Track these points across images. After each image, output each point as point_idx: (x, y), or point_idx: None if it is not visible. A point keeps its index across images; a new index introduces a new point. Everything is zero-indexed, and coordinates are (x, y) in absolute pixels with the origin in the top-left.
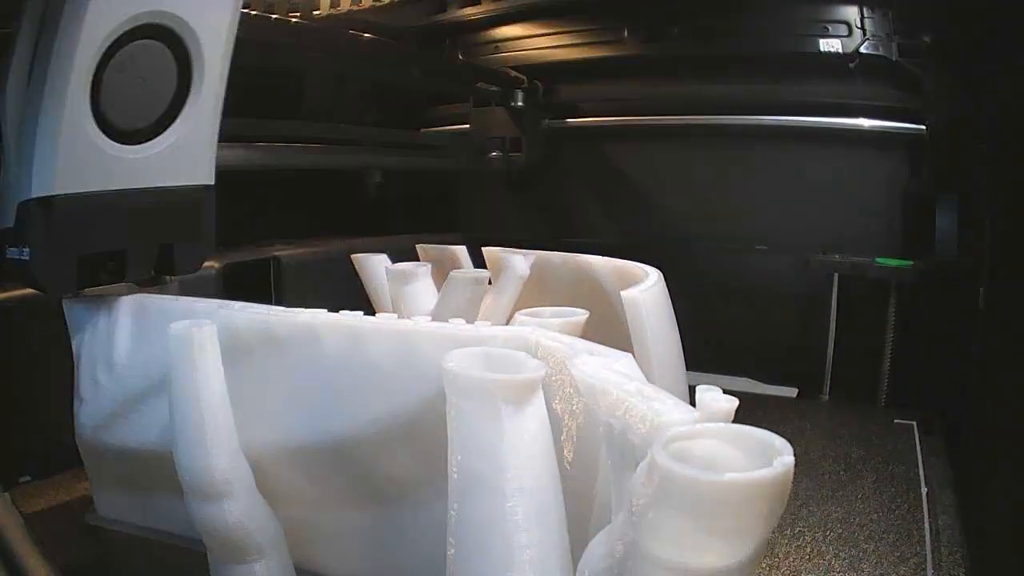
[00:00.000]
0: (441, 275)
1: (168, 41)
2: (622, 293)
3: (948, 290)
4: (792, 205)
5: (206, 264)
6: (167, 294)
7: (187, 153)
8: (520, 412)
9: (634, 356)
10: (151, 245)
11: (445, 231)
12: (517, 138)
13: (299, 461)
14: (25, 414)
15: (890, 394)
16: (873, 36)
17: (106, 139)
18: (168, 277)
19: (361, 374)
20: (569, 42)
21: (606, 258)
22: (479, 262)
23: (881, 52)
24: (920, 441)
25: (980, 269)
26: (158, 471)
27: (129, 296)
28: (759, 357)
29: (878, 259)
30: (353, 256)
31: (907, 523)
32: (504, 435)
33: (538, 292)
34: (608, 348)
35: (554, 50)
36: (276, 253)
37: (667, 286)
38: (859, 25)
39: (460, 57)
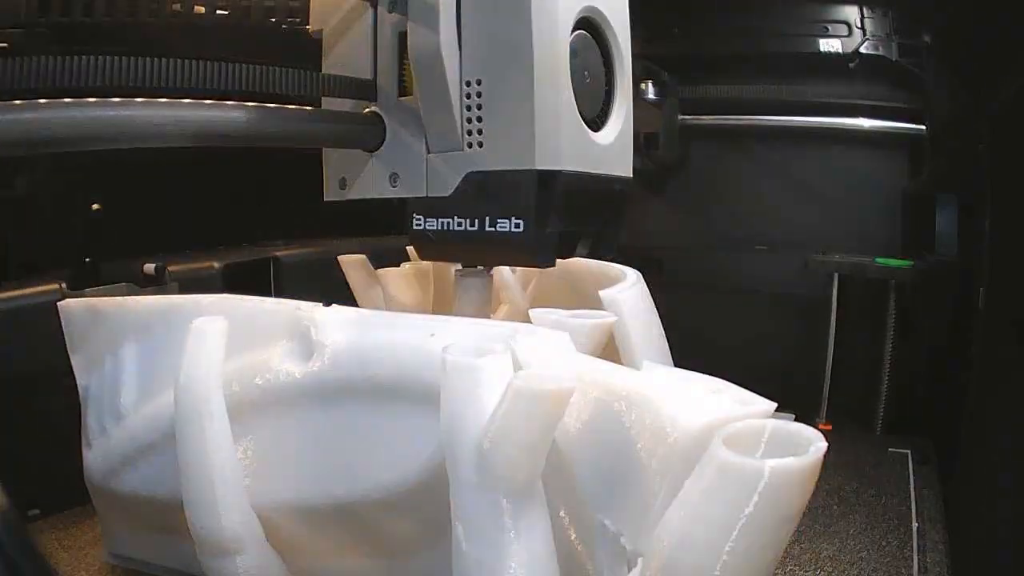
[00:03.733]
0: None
1: (595, 34)
2: (600, 293)
3: (948, 290)
4: (792, 205)
5: (205, 264)
6: (167, 294)
7: (624, 145)
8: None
9: (620, 360)
10: (594, 230)
11: None
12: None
13: (307, 517)
14: (35, 444)
15: (887, 416)
16: (873, 36)
17: (583, 123)
18: (168, 278)
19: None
20: None
21: (580, 259)
22: None
23: (881, 52)
24: (913, 472)
25: (980, 269)
26: (169, 516)
27: (134, 324)
28: (757, 375)
29: (878, 259)
30: (340, 258)
31: (896, 560)
32: (505, 526)
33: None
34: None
35: None
36: (276, 253)
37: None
38: (859, 25)
39: None
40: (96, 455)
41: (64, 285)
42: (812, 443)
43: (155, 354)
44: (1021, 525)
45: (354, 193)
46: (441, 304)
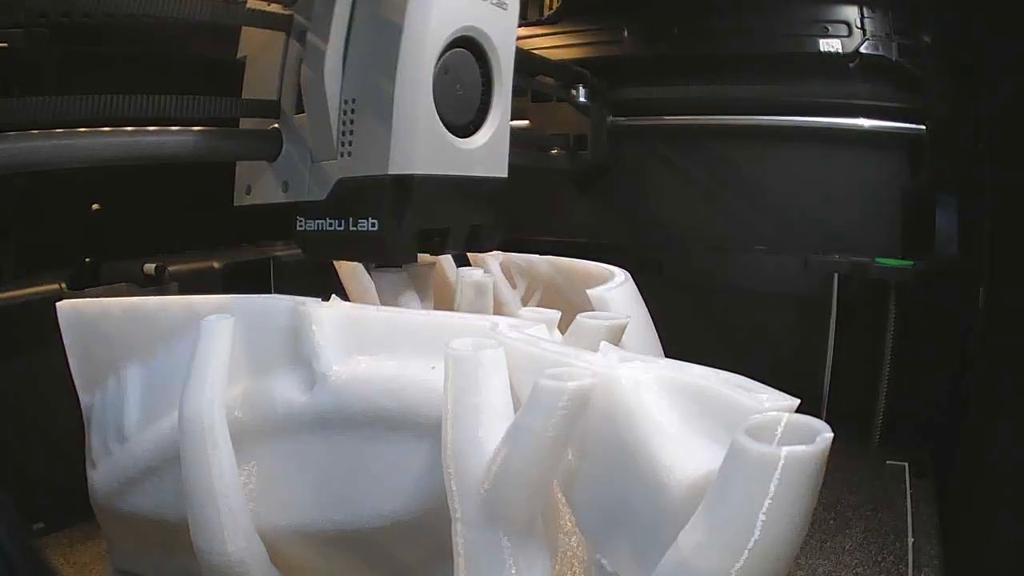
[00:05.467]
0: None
1: (475, 52)
2: (588, 292)
3: (948, 290)
4: (792, 205)
5: (205, 264)
6: (166, 295)
7: (495, 149)
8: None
9: None
10: (466, 225)
11: None
12: (582, 135)
13: (310, 542)
14: (37, 451)
15: (885, 425)
16: (873, 36)
17: (445, 130)
18: (168, 278)
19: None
20: (567, 42)
21: (569, 259)
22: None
23: (881, 52)
24: (911, 485)
25: (980, 269)
26: (175, 535)
27: (134, 340)
28: (756, 377)
29: (878, 259)
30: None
31: None
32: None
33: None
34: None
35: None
36: (276, 253)
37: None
38: (859, 25)
39: None
40: (100, 475)
41: (64, 285)
42: (819, 433)
43: (158, 372)
44: (1019, 540)
45: (255, 198)
46: (440, 307)
